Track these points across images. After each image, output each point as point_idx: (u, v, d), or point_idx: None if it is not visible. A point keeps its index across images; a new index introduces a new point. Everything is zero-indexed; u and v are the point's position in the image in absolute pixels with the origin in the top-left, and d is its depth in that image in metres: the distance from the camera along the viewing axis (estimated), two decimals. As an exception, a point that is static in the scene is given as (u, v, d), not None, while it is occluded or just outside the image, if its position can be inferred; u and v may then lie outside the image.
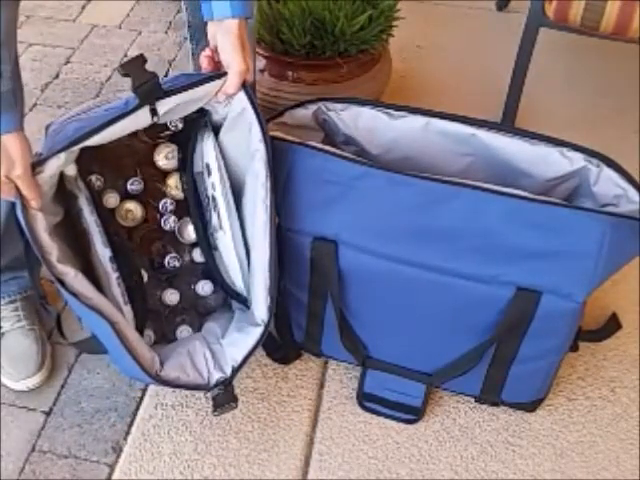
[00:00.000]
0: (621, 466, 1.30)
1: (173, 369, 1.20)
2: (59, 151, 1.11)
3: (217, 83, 1.19)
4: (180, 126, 1.27)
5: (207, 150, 1.28)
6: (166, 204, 1.32)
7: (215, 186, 1.27)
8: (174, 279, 1.36)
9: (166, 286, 1.35)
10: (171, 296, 1.34)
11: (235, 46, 1.17)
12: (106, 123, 1.12)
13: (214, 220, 1.30)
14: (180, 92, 1.16)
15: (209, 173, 1.28)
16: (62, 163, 1.14)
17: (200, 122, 1.29)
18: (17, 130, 1.09)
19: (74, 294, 1.13)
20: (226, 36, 1.17)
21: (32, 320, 1.43)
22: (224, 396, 1.21)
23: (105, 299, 1.16)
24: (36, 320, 1.44)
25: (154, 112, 1.15)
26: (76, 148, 1.13)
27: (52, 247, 1.12)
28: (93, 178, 1.26)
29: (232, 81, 1.18)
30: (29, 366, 1.38)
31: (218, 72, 1.20)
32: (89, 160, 1.23)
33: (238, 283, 1.31)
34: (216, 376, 1.21)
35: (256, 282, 1.23)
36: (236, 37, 1.17)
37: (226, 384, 1.21)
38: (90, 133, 1.12)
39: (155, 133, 1.30)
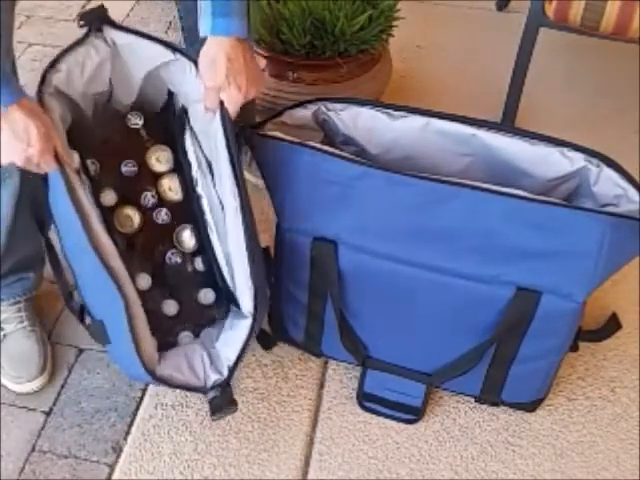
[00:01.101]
0: (621, 466, 1.30)
1: (167, 367, 1.20)
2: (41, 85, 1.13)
3: (167, 52, 1.21)
4: (140, 123, 1.30)
5: (188, 146, 1.30)
6: (147, 197, 1.31)
7: (197, 181, 1.28)
8: (175, 291, 1.33)
9: (168, 297, 1.32)
10: (171, 307, 1.32)
11: (203, 63, 1.18)
12: (67, 48, 1.16)
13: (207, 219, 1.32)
14: (132, 33, 1.20)
15: (191, 168, 1.31)
16: (58, 110, 1.15)
17: (181, 120, 1.30)
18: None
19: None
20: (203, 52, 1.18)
21: (33, 321, 1.43)
22: (222, 399, 1.20)
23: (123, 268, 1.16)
24: (37, 322, 1.45)
25: (103, 39, 1.18)
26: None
27: (91, 210, 1.14)
28: (89, 162, 1.26)
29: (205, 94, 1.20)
30: (30, 368, 1.38)
31: (176, 45, 1.22)
32: (86, 151, 1.25)
33: (230, 283, 1.31)
34: (213, 378, 1.21)
35: (237, 272, 1.22)
36: (206, 55, 1.17)
37: (223, 385, 1.21)
38: (57, 58, 1.15)
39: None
